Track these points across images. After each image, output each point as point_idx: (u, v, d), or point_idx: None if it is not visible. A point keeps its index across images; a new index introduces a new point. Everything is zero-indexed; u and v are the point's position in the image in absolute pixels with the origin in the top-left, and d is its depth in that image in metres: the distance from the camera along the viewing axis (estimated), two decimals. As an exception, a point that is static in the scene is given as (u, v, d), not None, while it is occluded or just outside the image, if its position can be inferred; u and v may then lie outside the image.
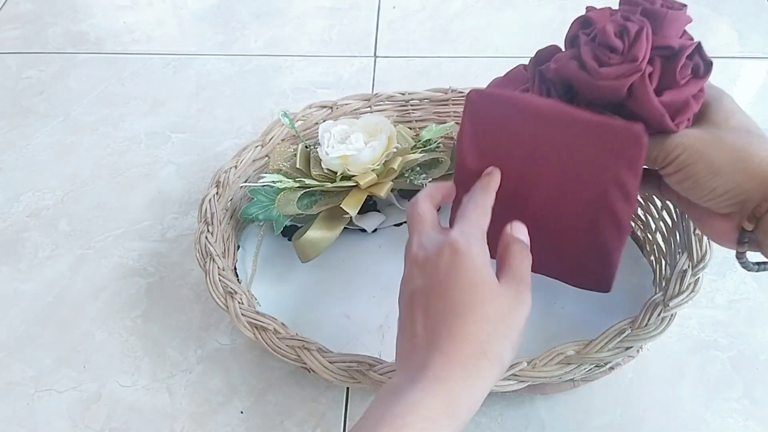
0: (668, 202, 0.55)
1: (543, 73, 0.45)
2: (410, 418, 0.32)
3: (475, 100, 0.46)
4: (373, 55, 0.83)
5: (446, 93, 0.63)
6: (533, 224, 0.47)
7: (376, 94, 0.63)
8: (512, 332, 0.37)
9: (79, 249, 0.62)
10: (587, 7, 0.46)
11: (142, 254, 0.61)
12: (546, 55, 0.47)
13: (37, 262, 0.61)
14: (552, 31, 0.84)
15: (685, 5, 0.44)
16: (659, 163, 0.43)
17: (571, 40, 0.44)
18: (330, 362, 0.44)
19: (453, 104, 0.63)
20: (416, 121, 0.64)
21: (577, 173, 0.44)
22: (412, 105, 0.63)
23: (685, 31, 0.44)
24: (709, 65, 0.43)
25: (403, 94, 0.63)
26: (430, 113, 0.63)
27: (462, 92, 0.62)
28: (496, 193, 0.47)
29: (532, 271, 0.46)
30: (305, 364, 0.45)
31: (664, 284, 0.50)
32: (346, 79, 0.79)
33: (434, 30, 0.86)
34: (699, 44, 0.43)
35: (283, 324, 0.47)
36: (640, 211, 0.58)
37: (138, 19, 0.90)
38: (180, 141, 0.72)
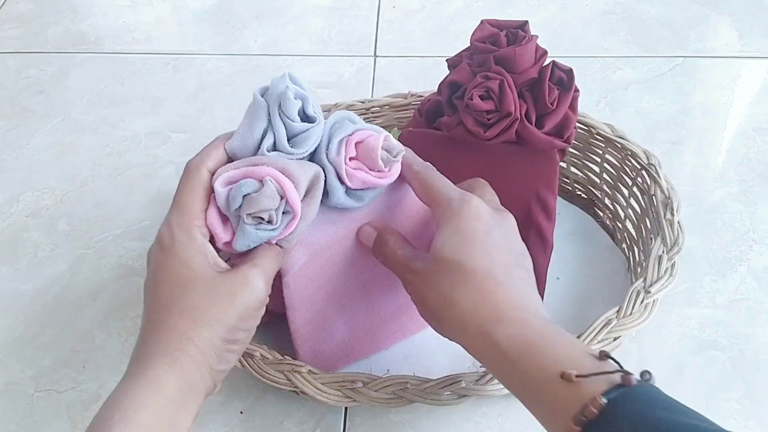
0: (634, 189, 0.55)
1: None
2: (116, 416, 0.33)
3: (408, 138, 0.50)
4: (373, 54, 0.83)
5: (406, 98, 0.62)
6: None
7: (337, 104, 0.62)
8: (227, 316, 0.37)
9: (79, 249, 0.62)
10: (449, 61, 0.50)
11: (141, 254, 0.61)
12: (433, 108, 0.51)
13: (36, 262, 0.61)
14: (553, 30, 0.84)
15: (532, 36, 0.47)
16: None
17: (447, 102, 0.49)
18: (323, 383, 0.44)
19: (413, 109, 0.61)
20: None
21: (504, 195, 0.48)
22: (373, 113, 0.63)
23: (537, 48, 0.47)
24: (569, 73, 0.47)
25: (363, 102, 0.62)
26: (392, 119, 0.63)
27: (421, 95, 0.61)
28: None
29: None
30: (297, 387, 0.44)
31: (639, 270, 0.51)
32: (346, 78, 0.79)
33: (434, 30, 0.86)
34: (552, 61, 0.46)
35: (270, 348, 0.46)
36: (607, 201, 0.59)
37: (138, 19, 0.90)
38: (180, 141, 0.72)
